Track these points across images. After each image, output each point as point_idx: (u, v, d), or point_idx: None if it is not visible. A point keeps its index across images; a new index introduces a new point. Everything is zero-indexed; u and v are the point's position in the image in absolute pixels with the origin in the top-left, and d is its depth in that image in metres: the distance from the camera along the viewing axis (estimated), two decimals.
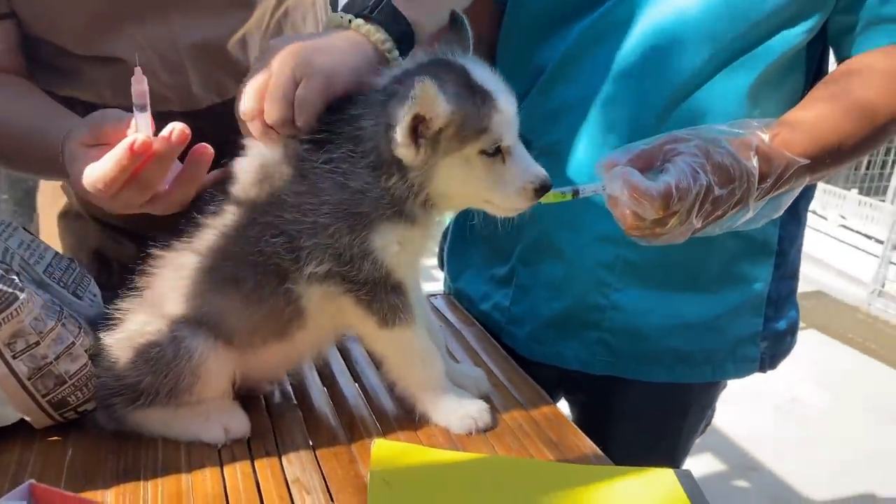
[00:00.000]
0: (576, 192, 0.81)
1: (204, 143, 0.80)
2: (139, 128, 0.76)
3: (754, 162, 0.78)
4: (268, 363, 0.86)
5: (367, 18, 0.81)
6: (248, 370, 0.84)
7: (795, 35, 0.93)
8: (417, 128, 0.72)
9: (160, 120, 1.02)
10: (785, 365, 1.12)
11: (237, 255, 0.78)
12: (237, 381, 0.84)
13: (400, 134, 0.72)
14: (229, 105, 0.81)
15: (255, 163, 0.80)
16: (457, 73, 0.75)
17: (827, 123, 0.87)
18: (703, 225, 0.79)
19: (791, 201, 0.85)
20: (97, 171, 0.77)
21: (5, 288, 0.74)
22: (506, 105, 0.76)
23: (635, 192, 0.74)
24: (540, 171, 0.77)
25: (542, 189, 0.77)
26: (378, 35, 0.81)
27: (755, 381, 1.12)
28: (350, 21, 0.82)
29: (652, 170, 0.78)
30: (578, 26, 0.98)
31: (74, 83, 1.01)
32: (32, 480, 0.55)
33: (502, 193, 0.77)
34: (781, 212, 0.85)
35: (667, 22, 0.94)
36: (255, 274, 0.78)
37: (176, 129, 0.76)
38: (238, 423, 0.81)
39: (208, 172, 0.82)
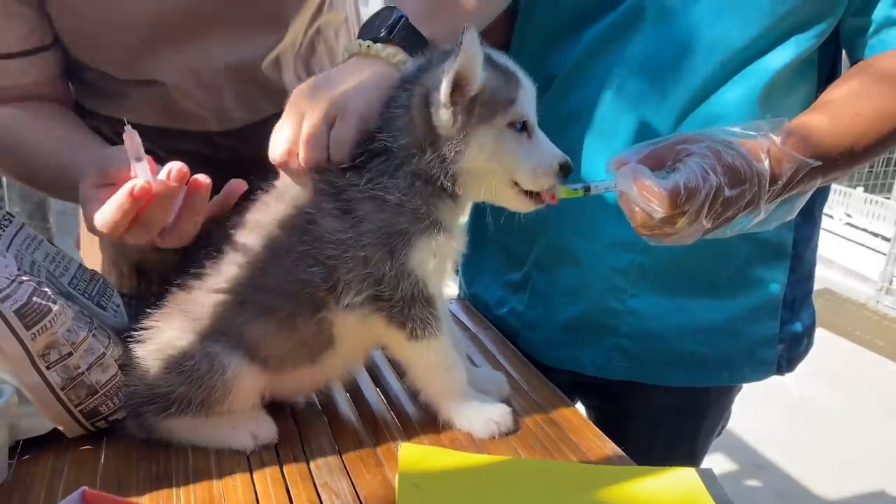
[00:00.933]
0: (587, 189, 0.82)
1: (200, 175, 0.82)
2: (138, 174, 0.79)
3: (766, 164, 0.79)
4: (298, 383, 0.88)
5: (387, 41, 0.83)
6: (277, 388, 0.86)
7: (807, 39, 0.94)
8: (454, 93, 0.75)
9: (198, 139, 1.05)
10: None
11: (272, 285, 0.80)
12: (266, 395, 0.85)
13: (443, 91, 0.75)
14: (264, 124, 0.83)
15: (287, 192, 0.82)
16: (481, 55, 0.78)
17: (839, 122, 0.88)
18: (713, 226, 0.80)
19: (804, 203, 0.86)
20: (101, 216, 0.80)
21: (39, 300, 0.75)
22: (528, 83, 0.80)
23: (644, 189, 0.76)
24: (561, 153, 0.81)
25: (565, 168, 0.80)
26: (399, 56, 0.83)
27: (765, 381, 1.13)
28: (369, 47, 0.83)
29: (663, 168, 0.79)
30: (589, 33, 1.00)
31: (117, 104, 1.04)
32: (85, 487, 0.56)
33: (528, 170, 0.80)
34: (795, 214, 0.86)
35: (677, 28, 0.95)
36: (290, 303, 0.80)
37: (174, 169, 0.78)
38: (266, 429, 0.83)
39: (250, 188, 0.85)
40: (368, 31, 0.85)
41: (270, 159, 0.80)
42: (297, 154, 0.79)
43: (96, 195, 0.82)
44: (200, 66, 1.01)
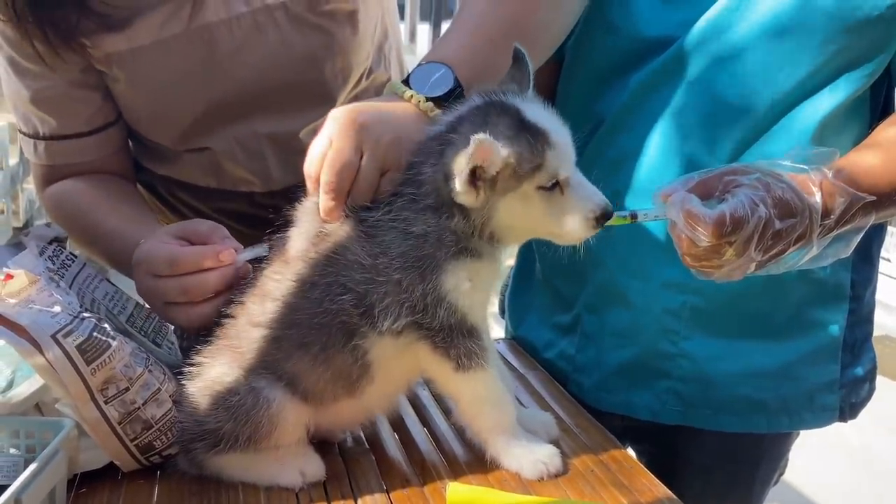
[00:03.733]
0: (634, 216, 0.82)
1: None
2: (242, 254, 0.87)
3: (817, 197, 0.78)
4: (341, 417, 0.88)
5: (438, 104, 0.84)
6: (321, 422, 0.86)
7: (858, 78, 0.93)
8: (475, 173, 0.75)
9: (242, 199, 1.13)
10: None
11: (302, 321, 0.80)
12: (311, 430, 0.85)
13: (459, 184, 0.75)
14: (304, 185, 0.85)
15: (308, 227, 0.83)
16: (510, 115, 0.77)
17: (893, 157, 0.86)
18: (763, 259, 0.78)
19: (859, 239, 0.84)
20: (180, 250, 0.87)
21: (99, 336, 0.78)
22: (559, 139, 0.77)
23: (689, 217, 0.75)
24: (600, 199, 0.78)
25: (603, 217, 0.78)
26: (436, 112, 0.84)
27: (824, 430, 1.10)
28: (419, 103, 0.84)
29: (711, 199, 0.78)
30: (635, 77, 1.00)
31: (170, 166, 1.13)
32: None
33: (564, 225, 0.78)
34: (851, 251, 0.84)
35: (724, 70, 0.95)
36: (322, 335, 0.80)
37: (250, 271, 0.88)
38: (313, 467, 0.83)
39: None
40: (421, 81, 0.85)
41: (316, 180, 0.80)
42: (342, 189, 0.80)
43: (166, 238, 0.90)
44: (246, 137, 1.07)
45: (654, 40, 0.98)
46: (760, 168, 0.79)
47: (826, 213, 0.79)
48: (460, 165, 0.74)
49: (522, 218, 0.79)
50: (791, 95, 0.93)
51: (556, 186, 0.77)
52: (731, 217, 0.74)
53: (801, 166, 0.79)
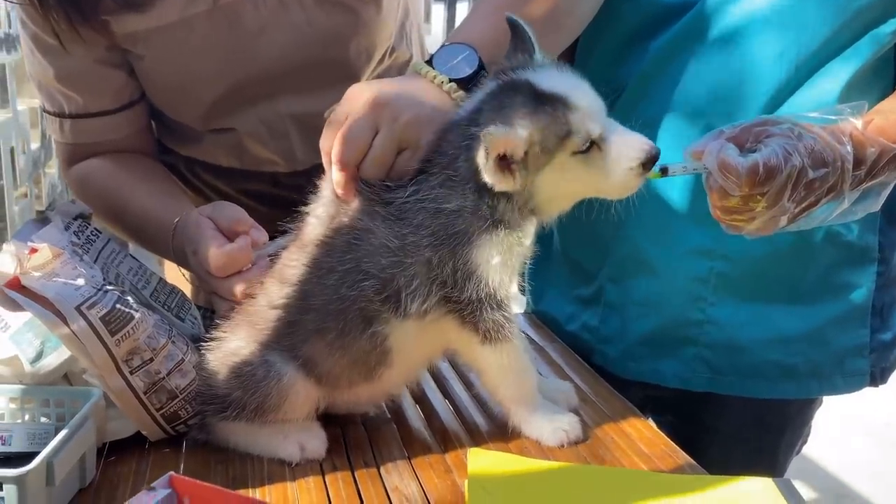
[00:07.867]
0: (665, 171, 0.79)
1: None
2: (268, 247, 0.91)
3: (848, 147, 0.77)
4: (357, 398, 0.88)
5: (461, 86, 0.83)
6: (337, 401, 0.87)
7: (884, 35, 0.92)
8: (505, 160, 0.74)
9: (265, 179, 1.15)
10: (877, 388, 1.08)
11: (318, 307, 0.80)
12: (320, 408, 0.85)
13: (489, 178, 0.75)
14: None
15: (327, 211, 0.83)
16: (522, 93, 0.76)
17: None
18: (796, 211, 0.77)
19: (887, 193, 0.82)
20: (226, 254, 0.88)
21: (123, 308, 0.79)
22: (581, 99, 0.76)
23: (723, 166, 0.74)
24: (642, 144, 0.76)
25: (649, 161, 0.76)
26: (459, 93, 0.83)
27: (846, 405, 1.09)
28: (442, 83, 0.83)
29: (743, 151, 0.77)
30: (655, 43, 0.99)
31: (194, 147, 1.13)
32: (172, 472, 0.59)
33: (610, 181, 0.77)
34: (880, 204, 0.82)
35: (746, 33, 0.94)
36: (339, 322, 0.80)
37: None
38: (315, 443, 0.82)
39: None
40: (445, 62, 0.85)
41: (330, 155, 0.81)
42: (350, 161, 0.80)
43: (207, 228, 0.91)
44: (271, 117, 1.08)
45: (674, 6, 0.97)
46: (790, 119, 0.78)
47: (857, 163, 0.77)
48: (482, 162, 0.74)
49: (566, 186, 0.78)
50: (816, 57, 0.92)
51: (592, 146, 0.76)
52: (764, 166, 0.73)
53: (830, 117, 0.78)
